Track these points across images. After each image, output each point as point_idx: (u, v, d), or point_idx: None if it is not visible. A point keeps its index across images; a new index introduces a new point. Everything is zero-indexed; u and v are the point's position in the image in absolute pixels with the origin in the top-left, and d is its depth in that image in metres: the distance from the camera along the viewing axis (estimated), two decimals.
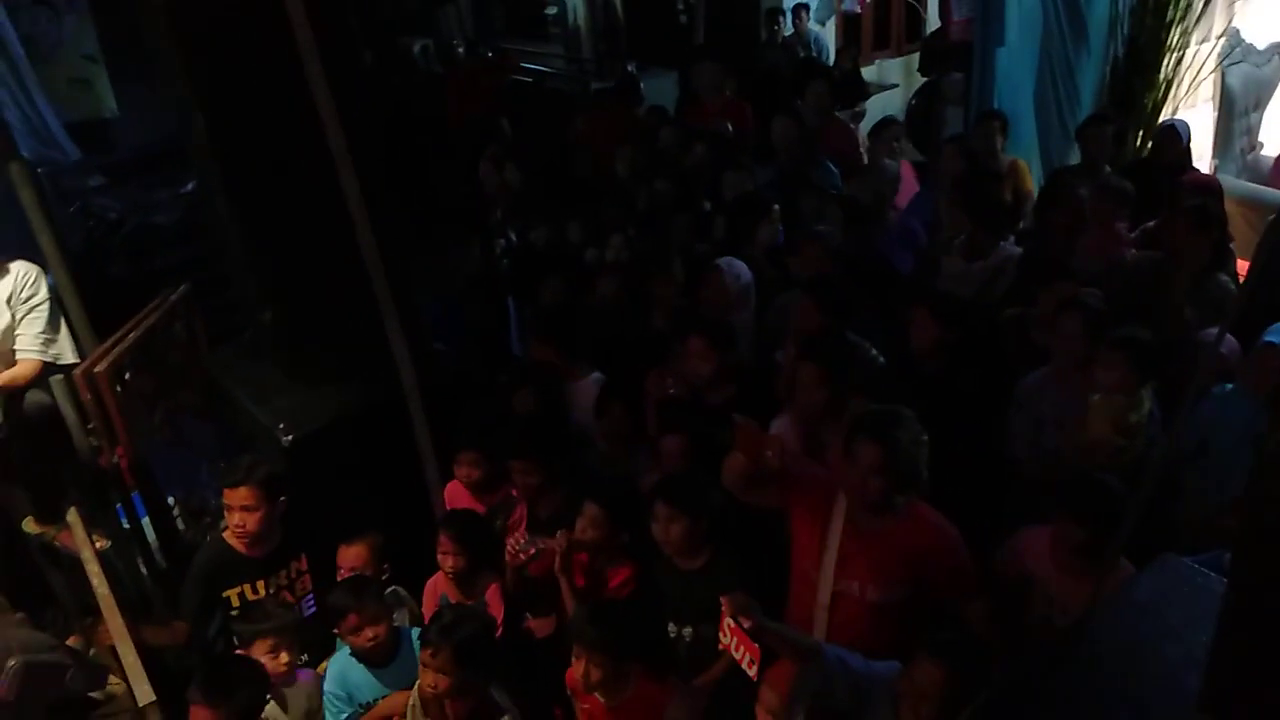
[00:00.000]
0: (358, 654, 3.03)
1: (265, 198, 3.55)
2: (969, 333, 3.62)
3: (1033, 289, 3.89)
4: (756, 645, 2.29)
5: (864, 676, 2.45)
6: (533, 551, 3.11)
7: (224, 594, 3.23)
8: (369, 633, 2.97)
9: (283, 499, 3.20)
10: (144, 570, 3.87)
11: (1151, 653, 1.90)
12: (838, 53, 8.28)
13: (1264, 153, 6.46)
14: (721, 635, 2.40)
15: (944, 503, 2.98)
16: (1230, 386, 3.28)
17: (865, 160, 5.98)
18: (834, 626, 2.73)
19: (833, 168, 5.54)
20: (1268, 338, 3.05)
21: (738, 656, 2.35)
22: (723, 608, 2.38)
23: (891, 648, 2.67)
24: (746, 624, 2.31)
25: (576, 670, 2.75)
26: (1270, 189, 5.59)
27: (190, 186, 6.49)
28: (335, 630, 3.06)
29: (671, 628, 3.05)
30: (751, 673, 2.31)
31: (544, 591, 3.22)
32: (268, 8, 3.00)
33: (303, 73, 3.05)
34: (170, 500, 4.13)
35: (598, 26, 9.42)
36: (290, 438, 3.53)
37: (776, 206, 4.68)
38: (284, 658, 3.02)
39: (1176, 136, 5.00)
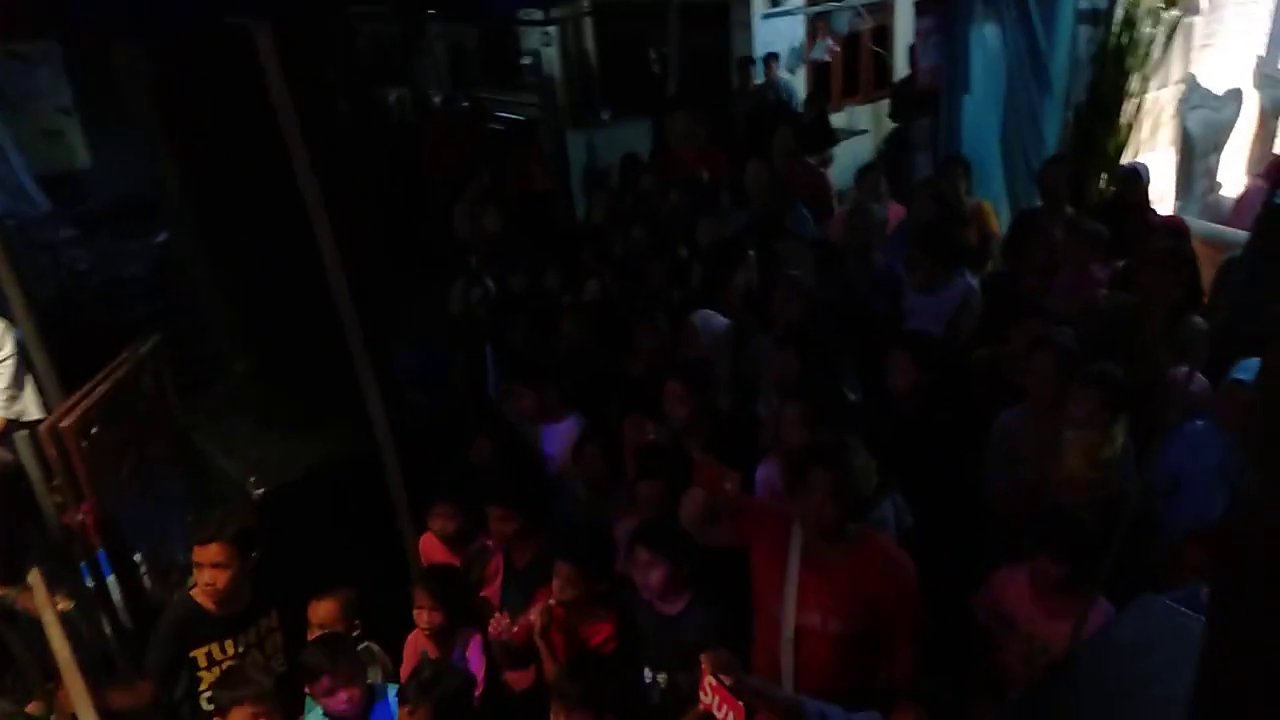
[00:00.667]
0: (331, 716, 2.95)
1: (238, 249, 3.54)
2: (944, 373, 3.66)
3: (1004, 327, 3.95)
4: (740, 704, 2.26)
5: None
6: (515, 630, 3.06)
7: (191, 654, 3.14)
8: (343, 695, 2.90)
9: (254, 555, 3.13)
10: (108, 630, 3.75)
11: (1135, 695, 1.89)
12: (805, 100, 8.43)
13: (1223, 193, 6.61)
14: (702, 694, 2.37)
15: (924, 541, 2.98)
16: (1201, 423, 3.31)
17: (835, 205, 6.08)
18: (800, 661, 2.73)
19: (805, 212, 5.61)
20: (1235, 375, 3.09)
21: (719, 715, 2.31)
22: (703, 666, 2.35)
23: (859, 683, 2.69)
24: (728, 681, 2.28)
25: None
26: (1230, 228, 5.71)
27: (162, 238, 6.46)
28: (307, 690, 2.97)
29: (647, 673, 3.02)
30: None
31: (524, 649, 3.17)
32: (242, 60, 3.02)
33: (277, 123, 3.06)
34: (137, 557, 4.02)
35: (572, 75, 9.56)
36: (261, 490, 3.48)
37: (752, 253, 4.72)
38: None
39: (1138, 178, 5.12)
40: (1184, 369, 3.44)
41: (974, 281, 4.53)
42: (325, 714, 2.96)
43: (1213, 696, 1.36)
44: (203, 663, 3.14)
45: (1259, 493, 1.24)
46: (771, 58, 8.54)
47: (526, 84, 10.24)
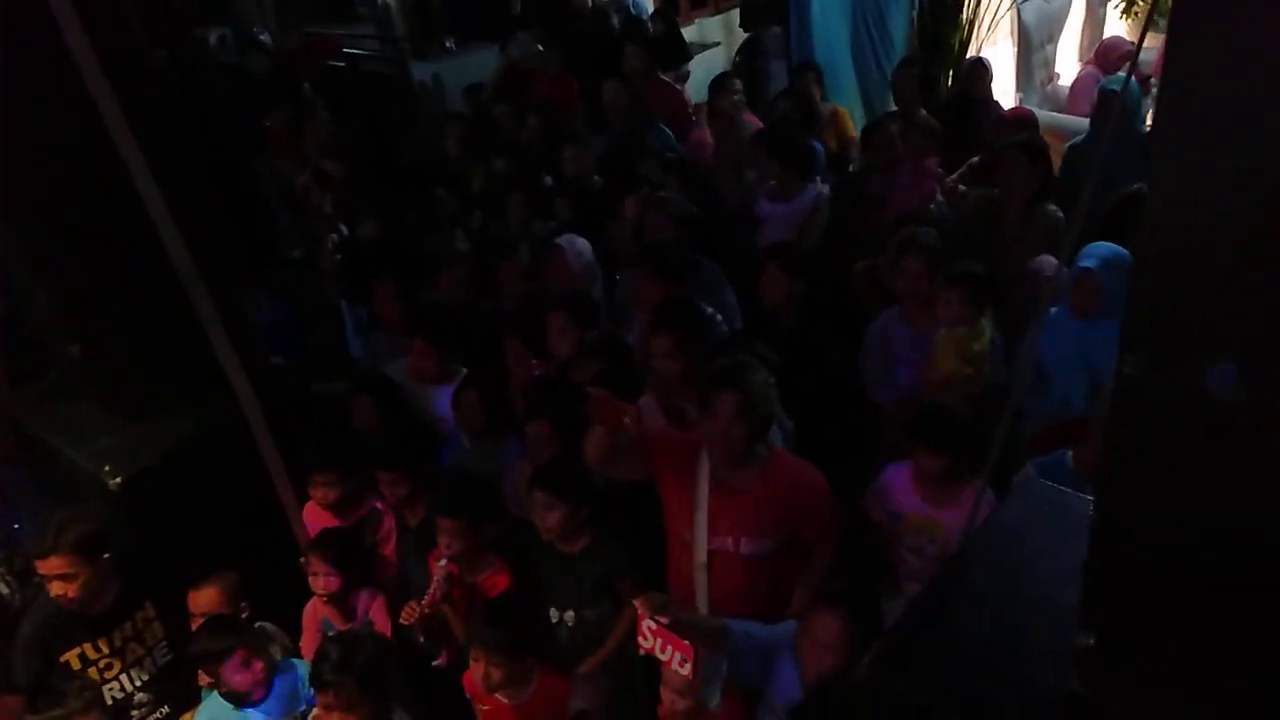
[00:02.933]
0: (229, 697, 2.82)
1: (55, 221, 3.18)
2: (816, 282, 3.70)
3: (855, 229, 4.01)
4: (686, 642, 2.22)
5: (766, 641, 2.48)
6: (425, 602, 2.95)
7: (62, 658, 2.93)
8: (258, 666, 2.81)
9: (106, 556, 2.88)
10: None
11: (1025, 575, 1.98)
12: (653, 15, 8.23)
13: (1061, 83, 6.88)
14: (641, 639, 2.31)
15: (812, 451, 3.04)
16: (1055, 310, 3.43)
17: (694, 120, 6.01)
18: (713, 584, 2.76)
19: (667, 130, 5.52)
20: (1082, 262, 3.20)
21: (664, 658, 2.27)
22: (639, 610, 2.30)
23: (770, 597, 2.75)
24: (665, 621, 2.25)
25: (476, 673, 2.70)
26: (1070, 116, 5.96)
27: None
28: (206, 676, 2.82)
29: (553, 613, 3.01)
30: (685, 671, 2.23)
31: (441, 623, 3.08)
32: (32, 11, 2.67)
33: (78, 76, 2.73)
34: None
35: (409, 4, 9.04)
36: (118, 479, 3.21)
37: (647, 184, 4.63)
38: None
39: (984, 70, 5.26)
40: (1044, 259, 3.57)
41: (824, 189, 4.61)
42: (222, 695, 2.83)
43: (1104, 572, 1.41)
44: (76, 665, 2.95)
45: (1136, 372, 1.27)
46: None
47: (360, 15, 9.63)
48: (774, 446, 2.82)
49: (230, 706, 2.85)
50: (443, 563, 2.96)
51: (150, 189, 2.94)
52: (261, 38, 8.99)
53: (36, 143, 3.04)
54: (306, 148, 6.22)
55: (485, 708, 2.85)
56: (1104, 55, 6.23)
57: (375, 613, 3.15)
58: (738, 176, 4.83)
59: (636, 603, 2.33)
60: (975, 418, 2.99)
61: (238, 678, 2.81)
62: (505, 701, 2.76)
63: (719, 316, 3.64)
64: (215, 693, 2.87)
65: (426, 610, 2.93)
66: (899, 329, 3.53)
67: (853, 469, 3.19)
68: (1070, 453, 2.86)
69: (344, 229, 5.52)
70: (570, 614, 2.99)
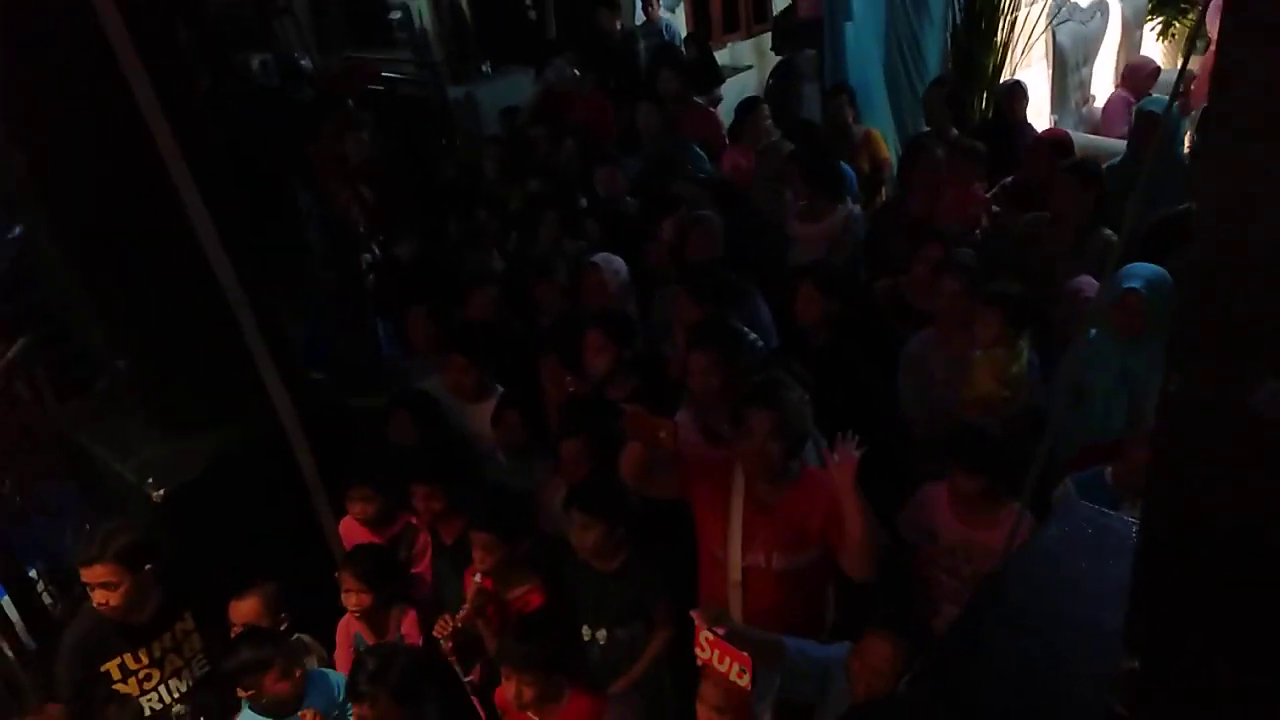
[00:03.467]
0: (268, 708, 2.85)
1: (104, 237, 3.26)
2: (848, 302, 3.70)
3: (898, 251, 4.00)
4: (744, 653, 2.24)
5: (822, 662, 2.49)
6: (460, 617, 2.97)
7: (102, 668, 2.98)
8: (286, 685, 2.84)
9: (149, 568, 2.93)
10: (9, 654, 3.53)
11: (1066, 596, 1.96)
12: (686, 39, 8.30)
13: (1096, 105, 6.84)
14: (699, 650, 2.35)
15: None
16: (1095, 332, 3.39)
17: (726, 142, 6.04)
18: (747, 601, 2.76)
19: (701, 153, 5.56)
20: (1126, 284, 3.17)
21: (723, 669, 2.29)
22: (696, 622, 2.33)
23: (804, 614, 2.76)
24: (722, 632, 2.27)
25: (508, 691, 2.70)
26: (1107, 138, 5.93)
27: (17, 232, 5.96)
28: (244, 689, 2.86)
29: (585, 631, 3.01)
30: (743, 682, 2.25)
31: (474, 639, 3.10)
32: (85, 31, 2.76)
33: (130, 98, 2.81)
34: (33, 574, 3.78)
35: (446, 28, 9.18)
36: (161, 492, 3.27)
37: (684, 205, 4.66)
38: None
39: (1022, 93, 5.25)
40: (1084, 279, 3.54)
41: (856, 209, 4.60)
42: (251, 707, 2.86)
43: (1150, 596, 1.40)
44: (116, 675, 2.99)
45: (1182, 391, 1.26)
46: None
47: (398, 40, 9.80)
48: (807, 464, 2.82)
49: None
50: (477, 578, 2.97)
51: (197, 208, 3.02)
52: (302, 63, 9.17)
53: (86, 161, 3.12)
54: (349, 166, 6.33)
55: None
56: (1132, 77, 6.23)
57: (408, 628, 3.17)
58: (775, 197, 4.84)
59: (694, 614, 2.36)
60: (1011, 439, 2.97)
61: (279, 685, 2.84)
62: (535, 719, 2.75)
63: (754, 335, 3.65)
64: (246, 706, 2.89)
65: (459, 625, 2.94)
66: (935, 349, 3.52)
67: (885, 488, 3.17)
68: (1109, 469, 2.83)
69: (377, 249, 5.61)
70: (603, 633, 2.99)
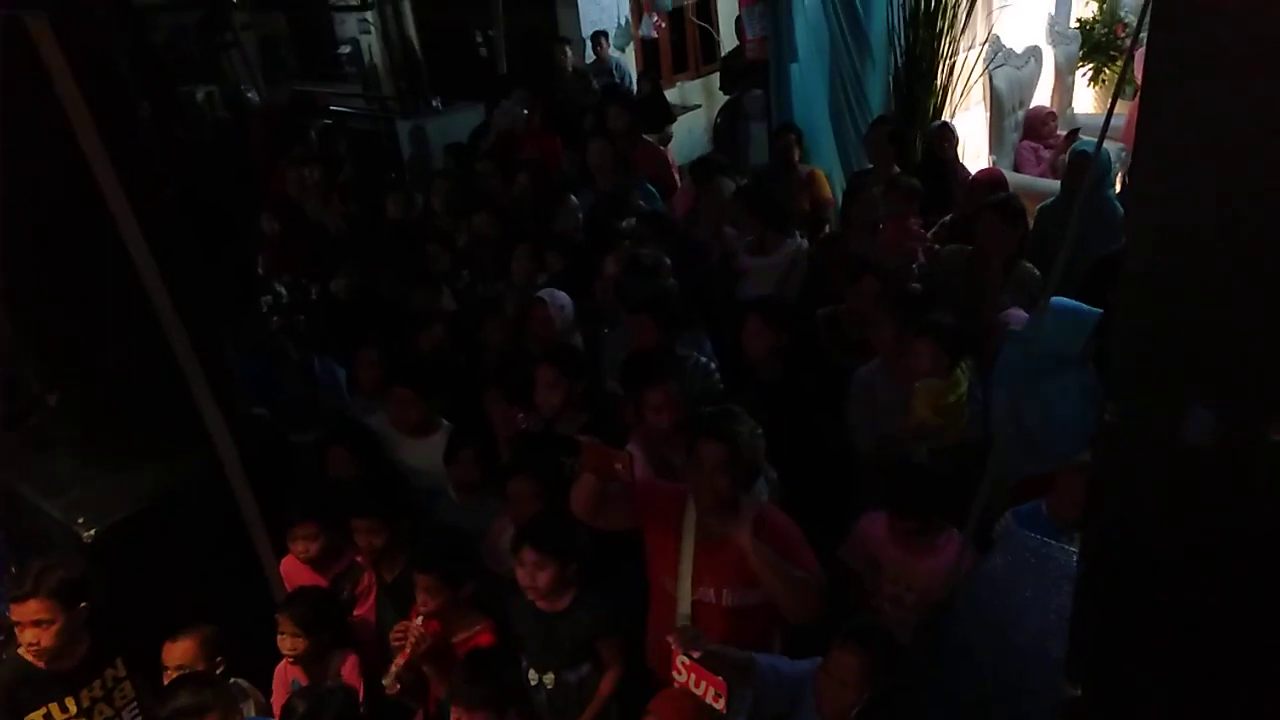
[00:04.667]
0: None
1: (38, 267, 3.16)
2: (797, 335, 3.74)
3: (838, 286, 4.09)
4: (719, 677, 2.28)
5: (792, 677, 2.50)
6: (401, 661, 2.88)
7: (26, 718, 2.84)
8: None
9: (83, 605, 2.83)
10: None
11: (1012, 626, 1.99)
12: (638, 77, 8.43)
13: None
14: (675, 674, 2.37)
15: (795, 503, 3.04)
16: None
17: (678, 180, 6.12)
18: None
19: (652, 189, 5.61)
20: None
21: (699, 692, 2.32)
22: (673, 646, 2.36)
23: (753, 649, 2.68)
24: (697, 655, 2.30)
25: None
26: (1043, 179, 6.12)
27: None
28: None
29: (532, 675, 2.95)
30: (719, 705, 2.29)
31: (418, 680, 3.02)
32: (23, 60, 2.70)
33: (68, 125, 2.75)
34: None
35: (396, 63, 9.19)
36: (92, 531, 3.15)
37: (627, 240, 4.69)
38: None
39: (950, 133, 5.42)
40: (1012, 311, 3.63)
41: (804, 243, 4.71)
42: None
43: (1091, 626, 1.42)
44: None
45: (1116, 421, 1.29)
46: (601, 35, 8.48)
47: (347, 75, 9.77)
48: (759, 498, 2.81)
49: None
50: (419, 620, 2.90)
51: (134, 238, 2.95)
52: (249, 95, 9.09)
53: (19, 190, 3.04)
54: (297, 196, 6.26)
55: None
56: (1032, 125, 6.75)
57: (347, 672, 3.07)
58: (716, 232, 4.90)
59: (669, 638, 2.38)
60: (950, 468, 3.02)
61: None
62: None
63: (713, 364, 3.67)
64: None
65: (398, 669, 2.87)
66: (880, 379, 3.57)
67: (835, 521, 3.19)
68: (1044, 502, 2.88)
69: (283, 289, 5.53)
70: (550, 676, 2.92)
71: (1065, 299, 3.09)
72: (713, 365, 3.76)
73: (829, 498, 3.29)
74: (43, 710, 2.85)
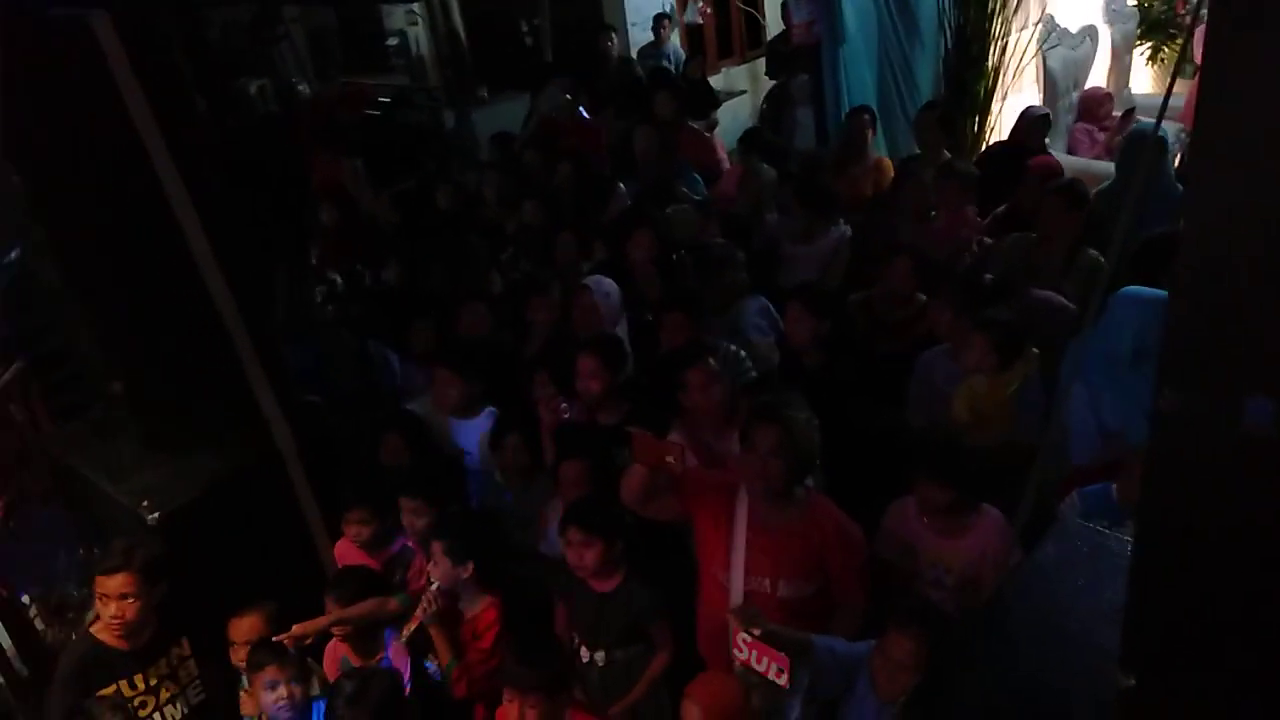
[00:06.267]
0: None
1: (101, 259, 3.27)
2: (838, 322, 3.72)
3: (877, 272, 4.05)
4: (782, 653, 2.32)
5: (847, 658, 2.52)
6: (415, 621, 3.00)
7: (99, 694, 2.94)
8: (284, 691, 2.85)
9: (160, 584, 2.93)
10: (1, 680, 3.49)
11: (1062, 615, 1.97)
12: (684, 63, 8.39)
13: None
14: (736, 651, 2.42)
15: (842, 490, 3.02)
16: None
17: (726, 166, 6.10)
18: None
19: (697, 176, 5.60)
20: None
21: (761, 668, 2.37)
22: (733, 623, 2.41)
23: None
24: (757, 632, 2.35)
25: (510, 713, 2.66)
26: (1100, 161, 5.98)
27: (14, 255, 5.97)
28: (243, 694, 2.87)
29: (584, 652, 2.99)
30: (781, 681, 2.33)
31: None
32: (86, 56, 2.79)
33: (129, 122, 2.84)
34: (25, 599, 3.75)
35: (443, 54, 9.27)
36: (156, 515, 3.26)
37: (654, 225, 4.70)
38: None
39: (1045, 124, 5.19)
40: (1042, 293, 3.53)
41: (847, 230, 4.66)
42: None
43: (1145, 614, 1.40)
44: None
45: (1173, 408, 1.27)
46: (663, 18, 8.40)
47: (394, 66, 9.88)
48: (812, 490, 2.80)
49: None
50: (435, 585, 2.98)
51: (195, 231, 3.04)
52: (300, 88, 9.24)
53: (84, 185, 3.14)
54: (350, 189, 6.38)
55: None
56: (1087, 108, 6.45)
57: (394, 651, 3.14)
58: (759, 219, 4.88)
59: (729, 616, 2.44)
60: (987, 464, 2.97)
61: (267, 694, 2.83)
62: None
63: (744, 353, 3.66)
64: None
65: (409, 631, 2.98)
66: (942, 362, 3.53)
67: (878, 511, 3.17)
68: (1115, 485, 2.83)
69: (339, 277, 5.63)
70: (601, 654, 2.97)
71: (1137, 288, 3.03)
72: (743, 354, 3.73)
73: (869, 486, 3.27)
74: (113, 687, 2.95)
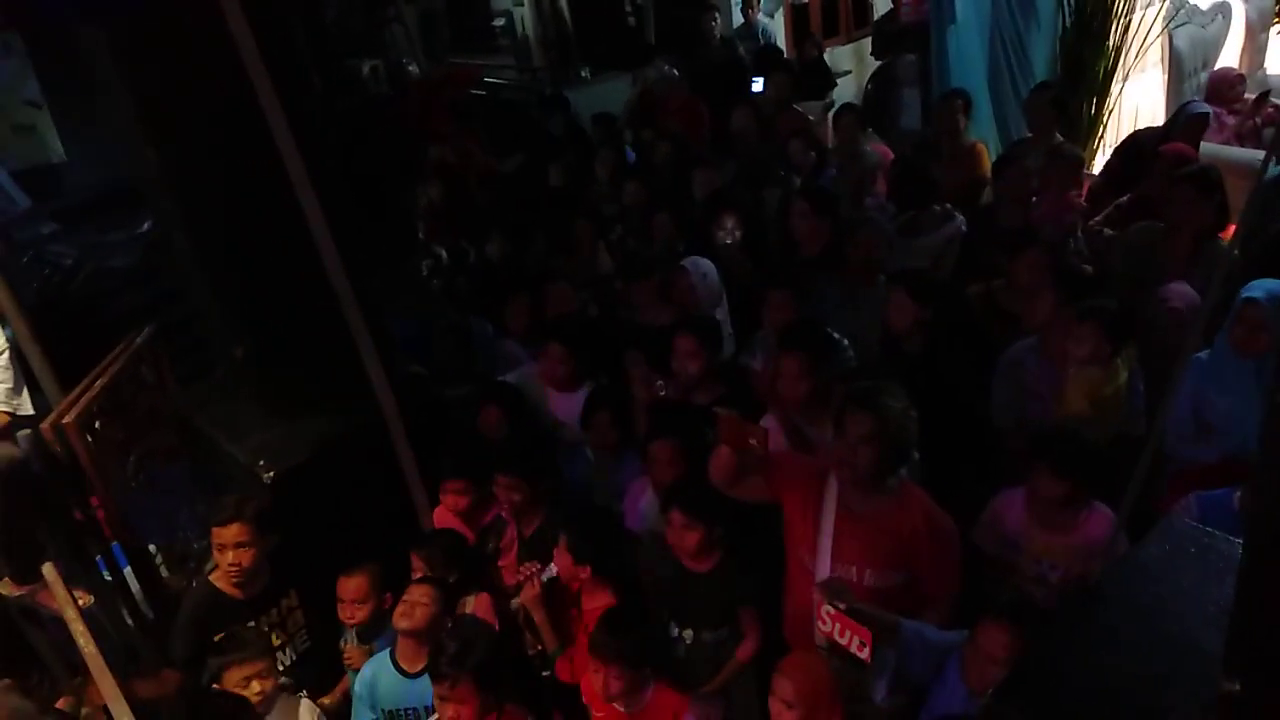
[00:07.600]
0: (394, 659, 3.01)
1: (227, 230, 3.47)
2: (943, 309, 3.64)
3: (991, 259, 3.91)
4: (865, 628, 2.33)
5: (938, 645, 2.52)
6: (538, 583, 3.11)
7: (215, 638, 3.14)
8: (422, 612, 2.95)
9: (271, 536, 3.13)
10: (130, 622, 3.76)
11: (1164, 615, 1.89)
12: (800, 42, 8.27)
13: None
14: (820, 624, 2.45)
15: (935, 480, 2.98)
16: (1209, 353, 3.14)
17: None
18: None
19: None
20: (1247, 294, 3.00)
21: (844, 641, 2.40)
22: (818, 596, 2.44)
23: None
24: (843, 606, 2.37)
25: (595, 682, 2.74)
26: (1235, 148, 5.65)
27: (147, 226, 6.35)
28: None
29: (673, 628, 3.03)
30: (863, 654, 2.35)
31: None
32: (214, 36, 2.94)
33: (253, 100, 2.98)
34: (152, 548, 4.02)
35: (547, 35, 9.37)
36: (271, 474, 3.45)
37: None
38: (256, 687, 2.92)
39: (1203, 122, 4.85)
40: (1172, 286, 3.36)
41: (961, 222, 4.51)
42: (391, 655, 3.02)
43: (1253, 617, 1.35)
44: None
45: None
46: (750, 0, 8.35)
47: (500, 47, 10.04)
48: (905, 479, 2.76)
49: (390, 668, 3.00)
50: (552, 568, 3.06)
51: (312, 206, 3.18)
52: (410, 68, 9.49)
53: (213, 160, 3.32)
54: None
55: (599, 715, 2.90)
56: (1217, 89, 5.90)
57: (479, 607, 3.20)
58: (857, 204, 4.80)
59: (816, 588, 2.46)
60: (1107, 465, 2.87)
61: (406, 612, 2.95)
62: (620, 710, 2.79)
63: (845, 341, 3.63)
64: (385, 651, 3.04)
65: (519, 603, 3.10)
66: (1032, 359, 3.42)
67: (974, 503, 3.11)
68: (1238, 494, 2.71)
69: (445, 252, 5.78)
70: (689, 632, 3.00)
71: (1264, 281, 2.88)
72: (845, 342, 3.70)
73: (968, 478, 3.21)
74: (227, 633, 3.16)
